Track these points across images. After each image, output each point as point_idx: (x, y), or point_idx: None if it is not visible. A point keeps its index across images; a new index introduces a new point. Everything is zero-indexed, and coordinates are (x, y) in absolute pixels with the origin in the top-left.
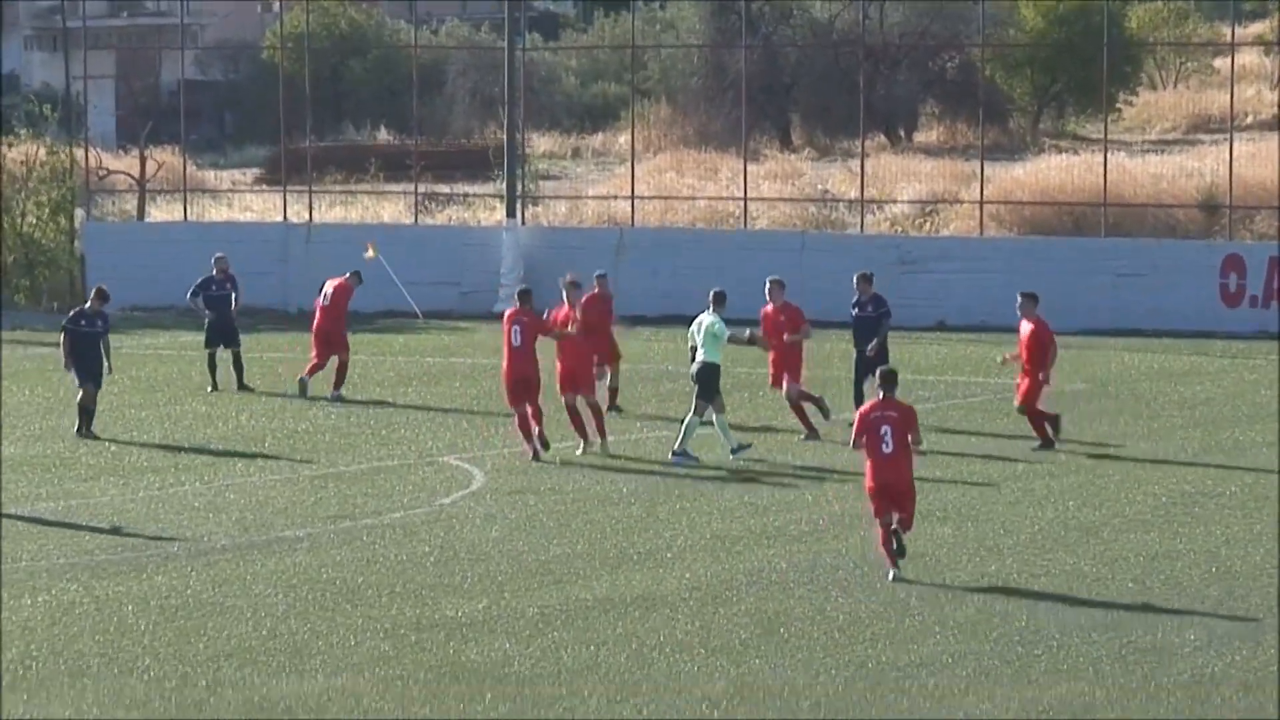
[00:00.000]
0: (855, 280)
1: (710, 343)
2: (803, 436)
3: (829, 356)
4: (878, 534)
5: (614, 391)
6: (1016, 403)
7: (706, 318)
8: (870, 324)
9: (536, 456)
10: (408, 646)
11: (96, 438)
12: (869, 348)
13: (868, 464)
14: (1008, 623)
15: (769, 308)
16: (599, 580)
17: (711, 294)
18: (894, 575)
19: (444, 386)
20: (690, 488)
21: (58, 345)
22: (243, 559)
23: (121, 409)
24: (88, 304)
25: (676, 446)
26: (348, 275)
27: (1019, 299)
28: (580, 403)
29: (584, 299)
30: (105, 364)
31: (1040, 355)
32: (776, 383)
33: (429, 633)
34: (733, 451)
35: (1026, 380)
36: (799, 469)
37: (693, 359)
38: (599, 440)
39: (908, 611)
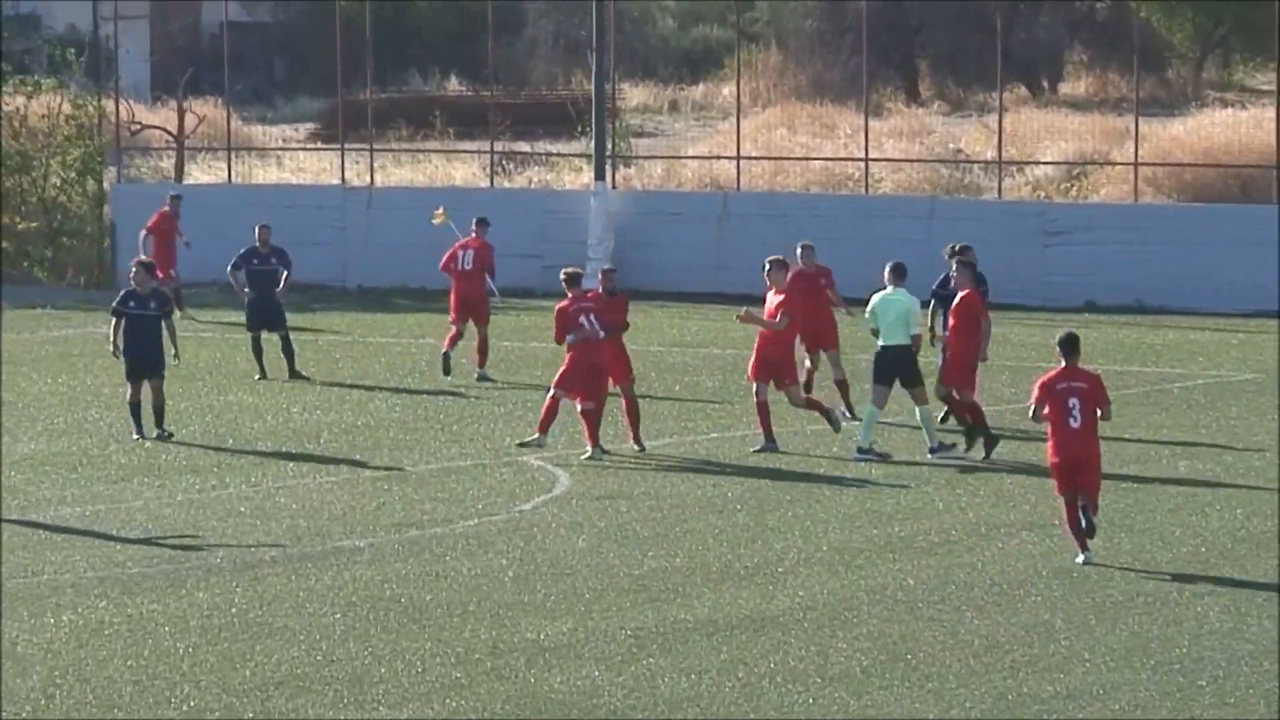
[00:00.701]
0: (956, 251)
1: (900, 322)
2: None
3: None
4: (1063, 511)
5: (842, 385)
6: (940, 381)
7: (895, 296)
8: None
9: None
10: (482, 674)
11: (170, 435)
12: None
13: (1051, 438)
14: (1167, 649)
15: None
16: (700, 599)
17: (889, 267)
18: (1084, 559)
19: (524, 375)
20: (804, 493)
21: (108, 329)
22: (295, 573)
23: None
24: (133, 283)
25: (931, 443)
26: (476, 233)
27: (955, 263)
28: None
29: (790, 276)
30: (173, 350)
31: (970, 327)
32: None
33: (506, 658)
34: (860, 450)
35: (952, 356)
36: (928, 470)
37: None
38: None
39: (1052, 636)
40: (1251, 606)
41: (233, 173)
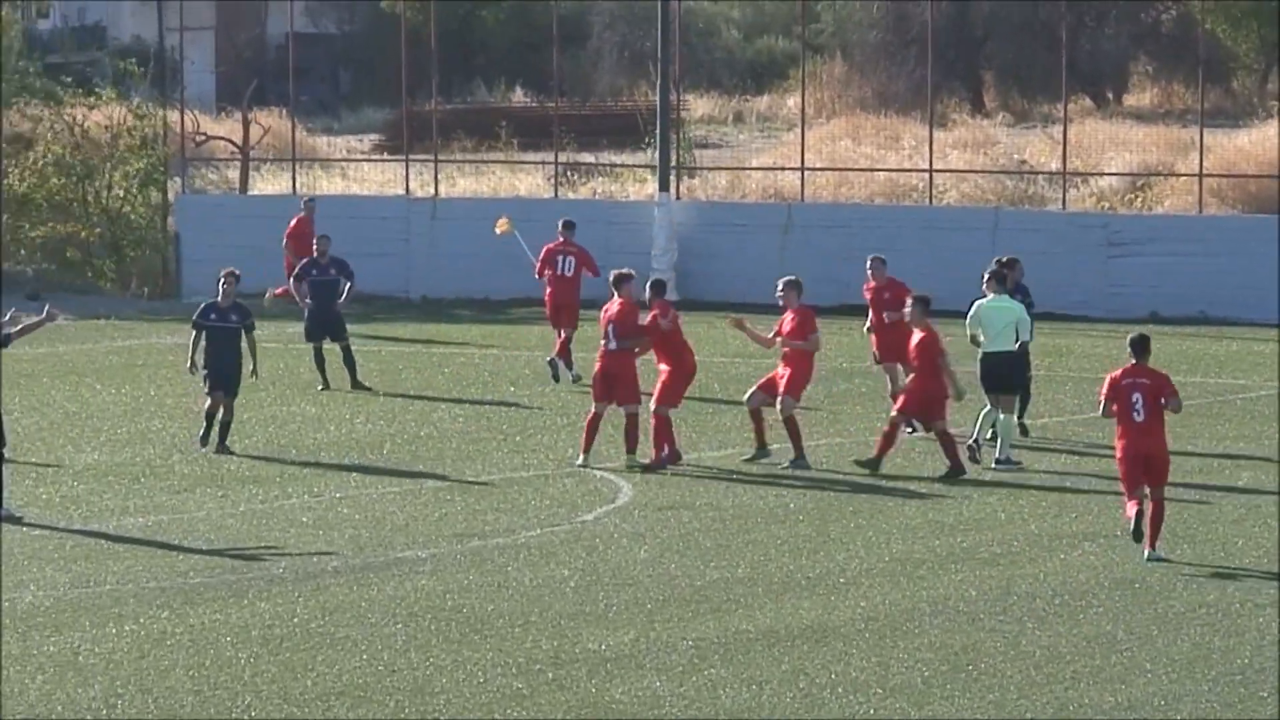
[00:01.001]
0: (1003, 264)
1: (1008, 329)
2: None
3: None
4: (1126, 508)
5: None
6: (899, 410)
7: (1000, 303)
8: None
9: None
10: (544, 684)
11: (231, 453)
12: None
13: (1119, 432)
14: (1229, 660)
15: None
16: (762, 609)
17: (989, 273)
18: (1148, 554)
19: (587, 385)
20: (867, 504)
21: (189, 343)
22: (357, 583)
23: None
24: (220, 295)
25: (1000, 455)
26: (565, 237)
27: (910, 303)
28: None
29: (864, 289)
30: (253, 365)
31: (931, 366)
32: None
33: (568, 669)
34: (998, 462)
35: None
36: (990, 481)
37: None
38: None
39: (1114, 646)
40: None
41: (297, 184)
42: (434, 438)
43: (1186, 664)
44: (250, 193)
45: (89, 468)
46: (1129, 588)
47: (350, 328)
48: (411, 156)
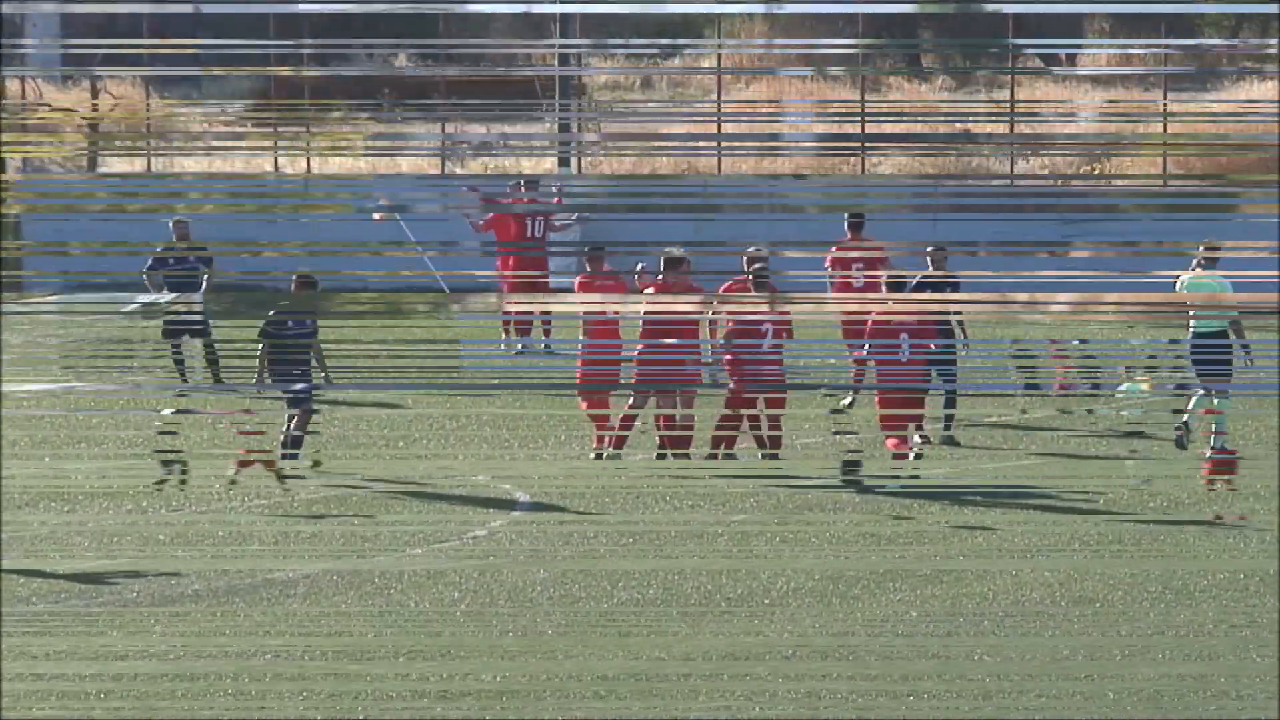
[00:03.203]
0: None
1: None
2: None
3: None
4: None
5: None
6: None
7: (1205, 279)
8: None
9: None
10: None
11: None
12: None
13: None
14: (1204, 687)
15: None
16: (676, 636)
17: (1202, 247)
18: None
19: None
20: (794, 515)
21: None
22: (221, 609)
23: (65, 414)
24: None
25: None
26: (531, 198)
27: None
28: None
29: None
30: (324, 374)
31: None
32: None
33: (458, 702)
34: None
35: None
36: (930, 490)
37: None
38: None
39: (1073, 672)
40: None
41: (152, 162)
42: (308, 443)
43: (1152, 692)
44: (99, 170)
45: None
46: (1091, 606)
47: (212, 323)
48: (281, 129)
